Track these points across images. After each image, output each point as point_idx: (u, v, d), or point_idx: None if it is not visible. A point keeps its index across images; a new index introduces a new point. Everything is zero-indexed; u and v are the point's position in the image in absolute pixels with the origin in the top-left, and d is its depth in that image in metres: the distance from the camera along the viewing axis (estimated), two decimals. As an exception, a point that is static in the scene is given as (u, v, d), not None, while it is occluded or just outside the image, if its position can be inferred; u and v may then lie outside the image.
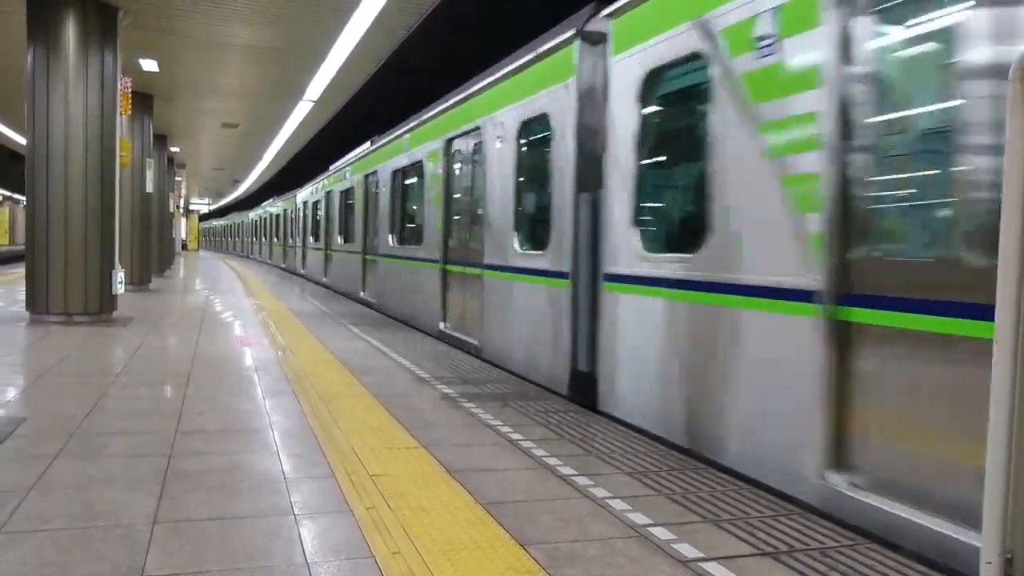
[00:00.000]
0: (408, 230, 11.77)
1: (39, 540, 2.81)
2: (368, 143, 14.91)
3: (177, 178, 29.45)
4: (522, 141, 7.12)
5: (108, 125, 9.64)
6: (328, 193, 19.21)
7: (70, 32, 9.34)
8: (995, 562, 1.95)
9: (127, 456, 3.95)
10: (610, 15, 5.46)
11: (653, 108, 5.17)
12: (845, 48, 3.45)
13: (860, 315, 3.37)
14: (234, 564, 2.66)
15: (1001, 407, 1.97)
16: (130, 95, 10.27)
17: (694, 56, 4.52)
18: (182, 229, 43.94)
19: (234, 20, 10.29)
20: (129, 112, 10.26)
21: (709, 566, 2.78)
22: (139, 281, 15.10)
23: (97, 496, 3.31)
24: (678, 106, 5.14)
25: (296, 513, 3.17)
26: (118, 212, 10.01)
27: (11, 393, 5.41)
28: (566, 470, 3.92)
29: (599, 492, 3.58)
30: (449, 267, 9.31)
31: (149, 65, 12.74)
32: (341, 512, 3.20)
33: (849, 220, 3.44)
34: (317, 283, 20.12)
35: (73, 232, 9.41)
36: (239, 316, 11.01)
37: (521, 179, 7.21)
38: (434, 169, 9.81)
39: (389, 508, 3.26)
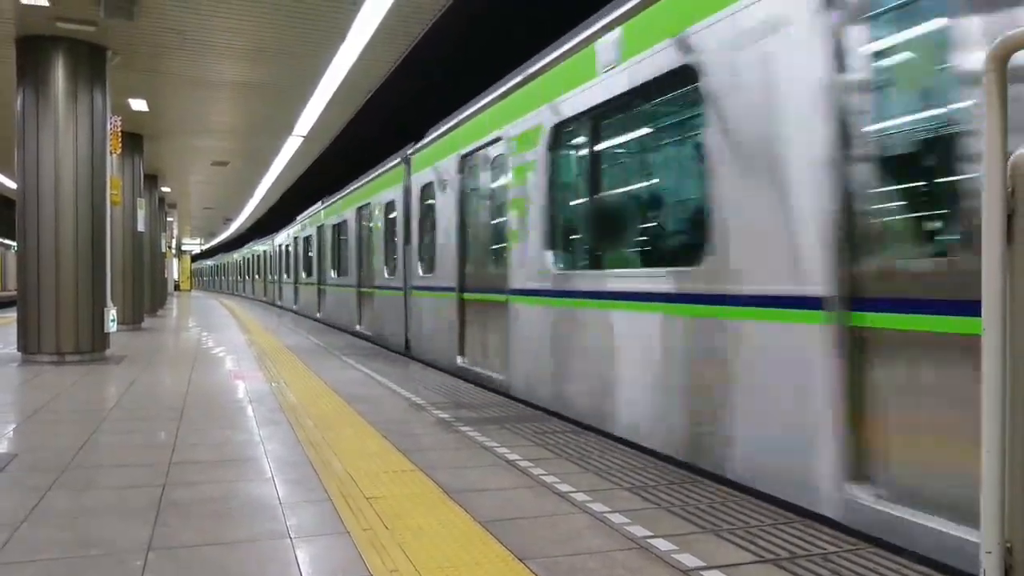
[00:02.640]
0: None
1: (33, 570, 2.77)
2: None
3: (168, 218, 29.49)
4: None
5: (98, 165, 9.68)
6: (363, 208, 13.72)
7: (59, 73, 9.41)
8: (995, 552, 1.94)
9: (121, 487, 3.91)
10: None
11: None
12: None
13: None
14: (230, 587, 2.63)
15: (993, 396, 1.98)
16: (119, 134, 10.31)
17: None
18: (174, 269, 43.87)
19: (222, 58, 10.39)
20: (119, 150, 10.29)
21: (711, 574, 2.76)
22: (132, 321, 15.03)
23: (90, 526, 3.27)
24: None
25: (292, 536, 3.13)
26: (109, 251, 10.01)
27: (3, 431, 5.36)
28: (564, 487, 3.89)
29: (598, 507, 3.55)
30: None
31: (138, 105, 12.81)
32: (338, 534, 3.17)
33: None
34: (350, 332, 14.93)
35: (64, 271, 9.40)
36: (232, 352, 10.96)
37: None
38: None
39: (387, 529, 3.23)
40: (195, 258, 76.29)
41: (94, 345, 9.67)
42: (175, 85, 11.73)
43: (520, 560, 2.88)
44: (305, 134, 15.33)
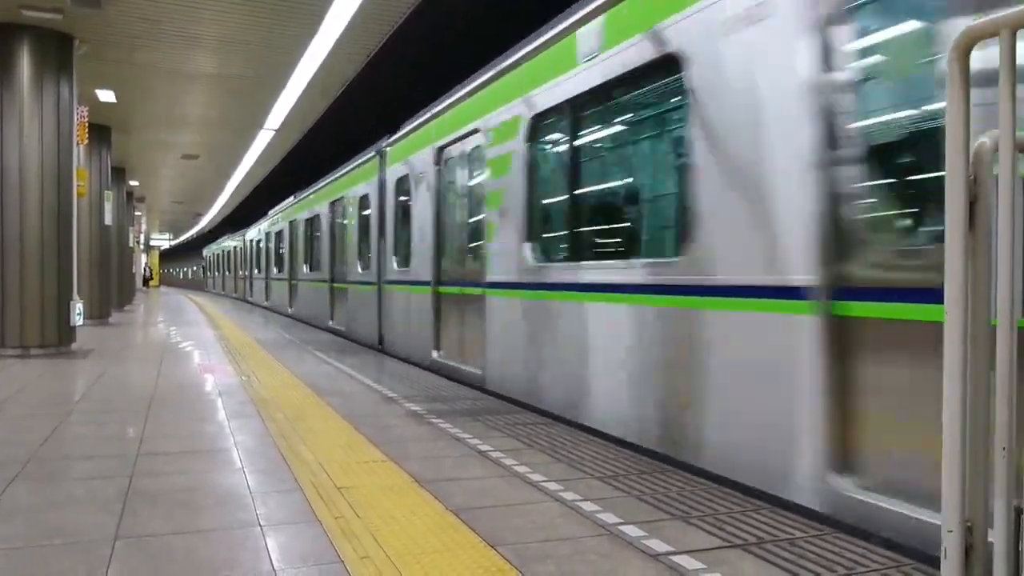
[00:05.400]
0: None
1: (-5, 560, 2.72)
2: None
3: (136, 212, 29.06)
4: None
5: (64, 155, 9.52)
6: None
7: (25, 62, 9.24)
8: (956, 531, 1.98)
9: (87, 478, 3.86)
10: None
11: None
12: None
13: None
14: (198, 575, 2.60)
15: (955, 379, 2.02)
16: (86, 125, 10.14)
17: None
18: (143, 264, 43.27)
19: (193, 49, 10.25)
20: (86, 140, 10.12)
21: (679, 559, 2.79)
22: (99, 315, 14.80)
23: (56, 516, 3.22)
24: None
25: (262, 525, 3.12)
26: (76, 244, 9.84)
27: (-35, 424, 5.26)
28: (536, 477, 3.91)
29: (569, 496, 3.57)
30: None
31: (106, 96, 12.59)
32: (308, 522, 3.16)
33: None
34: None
35: (29, 263, 9.23)
36: (201, 346, 10.84)
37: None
38: None
39: (358, 517, 3.22)
40: (203, 240, 66.95)
41: (60, 339, 9.52)
42: (144, 76, 11.55)
43: (491, 546, 2.89)
44: (277, 127, 15.18)
